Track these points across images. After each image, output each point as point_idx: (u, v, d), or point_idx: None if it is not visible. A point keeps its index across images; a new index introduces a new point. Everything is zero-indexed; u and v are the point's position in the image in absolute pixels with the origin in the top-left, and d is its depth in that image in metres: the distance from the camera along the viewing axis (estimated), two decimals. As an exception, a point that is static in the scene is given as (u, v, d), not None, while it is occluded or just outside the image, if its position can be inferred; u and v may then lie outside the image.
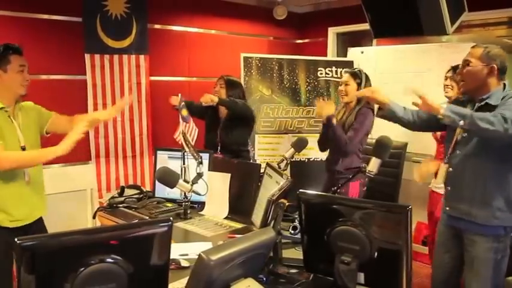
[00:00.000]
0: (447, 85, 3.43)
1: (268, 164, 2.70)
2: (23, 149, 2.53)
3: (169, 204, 3.16)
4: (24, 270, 1.11)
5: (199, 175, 2.44)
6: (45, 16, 4.19)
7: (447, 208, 2.57)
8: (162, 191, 3.22)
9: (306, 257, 1.86)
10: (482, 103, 2.41)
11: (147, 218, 2.88)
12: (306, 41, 6.25)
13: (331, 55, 5.86)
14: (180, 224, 2.76)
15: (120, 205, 3.11)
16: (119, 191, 3.34)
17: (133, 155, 4.69)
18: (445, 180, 2.60)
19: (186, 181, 2.40)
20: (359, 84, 3.52)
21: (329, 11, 5.88)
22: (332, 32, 5.91)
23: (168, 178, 2.34)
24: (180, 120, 3.07)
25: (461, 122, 2.22)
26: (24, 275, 1.11)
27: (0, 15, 3.93)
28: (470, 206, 2.42)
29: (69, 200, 4.33)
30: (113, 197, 3.21)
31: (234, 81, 3.99)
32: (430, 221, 3.72)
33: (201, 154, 2.91)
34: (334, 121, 3.38)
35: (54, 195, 3.54)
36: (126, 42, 4.55)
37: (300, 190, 1.78)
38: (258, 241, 1.54)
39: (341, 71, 5.02)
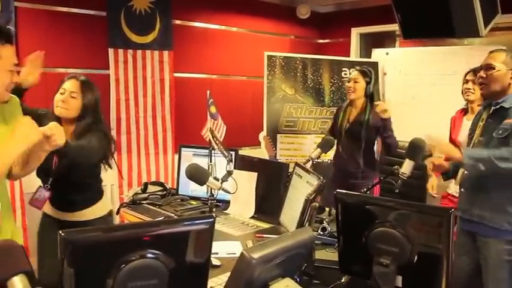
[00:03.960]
0: (469, 88, 3.40)
1: (297, 164, 2.67)
2: None
3: (193, 202, 3.15)
4: (67, 264, 1.10)
5: (229, 173, 2.42)
6: (70, 9, 4.20)
7: (461, 211, 2.57)
8: (186, 188, 3.21)
9: (342, 258, 1.82)
10: (497, 106, 2.44)
11: (173, 215, 2.87)
12: (329, 41, 6.22)
13: (354, 56, 5.82)
14: (206, 222, 2.75)
15: (144, 202, 3.11)
16: (141, 187, 3.34)
17: (156, 152, 4.69)
18: (460, 183, 2.63)
19: (216, 179, 2.38)
20: (368, 83, 3.56)
21: (352, 11, 5.84)
22: (355, 32, 5.87)
23: (199, 175, 2.32)
24: (208, 117, 3.05)
25: (482, 167, 2.28)
26: (66, 268, 1.10)
27: (26, 7, 3.94)
28: (484, 210, 2.44)
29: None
30: (136, 194, 3.20)
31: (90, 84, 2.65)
32: None
33: (230, 152, 2.88)
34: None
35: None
36: (149, 38, 4.56)
37: (338, 190, 1.75)
38: (299, 240, 1.51)
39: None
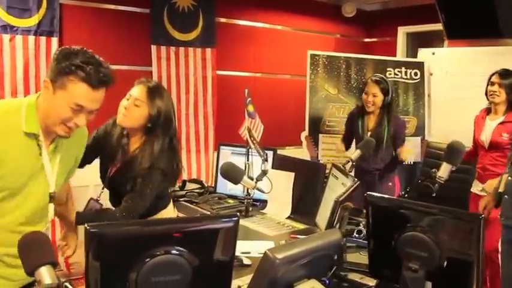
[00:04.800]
0: (494, 91, 3.37)
1: (334, 165, 2.65)
2: (51, 198, 1.75)
3: (230, 201, 3.19)
4: (92, 257, 1.14)
5: (264, 172, 2.44)
6: (114, 7, 4.29)
7: (502, 218, 2.56)
8: (224, 187, 3.25)
9: (371, 262, 1.81)
10: None
11: (208, 213, 2.91)
12: (375, 40, 6.11)
13: (401, 55, 5.70)
14: (242, 222, 2.75)
15: (181, 199, 3.17)
16: (179, 184, 3.40)
17: (197, 150, 4.74)
18: (504, 190, 2.60)
19: (250, 178, 2.40)
20: (386, 94, 3.56)
21: (399, 10, 5.71)
22: (402, 31, 5.75)
23: (233, 174, 2.35)
24: (246, 115, 3.08)
25: None
26: (91, 261, 1.14)
27: (71, 4, 4.06)
28: None
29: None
30: (174, 191, 3.26)
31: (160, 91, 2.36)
32: None
33: (266, 151, 2.90)
34: None
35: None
36: (192, 35, 4.61)
37: (368, 193, 1.74)
38: (324, 242, 1.51)
39: (411, 72, 4.90)
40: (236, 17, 5.05)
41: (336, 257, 1.70)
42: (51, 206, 1.77)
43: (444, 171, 2.35)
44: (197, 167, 4.77)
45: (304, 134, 4.87)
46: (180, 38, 4.55)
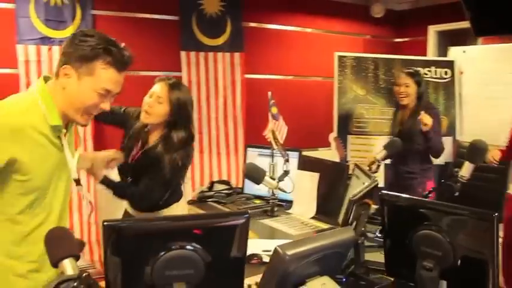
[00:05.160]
0: None
1: (356, 165, 2.68)
2: (77, 182, 1.78)
3: (257, 201, 3.24)
4: (110, 252, 1.22)
5: (286, 173, 2.49)
6: (144, 15, 4.44)
7: None
8: (251, 187, 3.30)
9: (388, 261, 1.83)
10: None
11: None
12: (405, 39, 6.05)
13: (432, 55, 5.61)
14: (267, 221, 2.82)
15: (209, 199, 3.25)
16: (208, 185, 3.49)
17: (227, 152, 4.82)
18: None
19: (272, 178, 2.46)
20: (419, 86, 3.50)
21: (429, 8, 5.62)
22: (432, 30, 5.66)
23: (255, 174, 2.41)
24: (270, 117, 3.14)
25: None
26: (110, 256, 1.22)
27: (103, 15, 4.23)
28: None
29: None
30: (202, 191, 3.35)
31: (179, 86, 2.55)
32: (506, 227, 3.44)
33: (289, 152, 2.95)
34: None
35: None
36: (220, 40, 4.70)
37: (382, 191, 1.76)
38: (336, 240, 1.54)
39: (441, 71, 4.84)
40: (264, 21, 5.11)
41: (348, 255, 1.73)
42: (80, 189, 1.81)
43: (466, 170, 2.34)
44: (227, 168, 4.84)
45: (332, 136, 4.88)
46: (209, 43, 4.65)
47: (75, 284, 1.13)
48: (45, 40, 3.87)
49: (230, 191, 3.42)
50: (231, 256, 1.35)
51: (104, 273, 1.21)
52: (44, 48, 3.85)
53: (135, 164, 2.49)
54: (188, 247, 1.26)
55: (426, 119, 3.35)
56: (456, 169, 2.38)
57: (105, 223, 1.18)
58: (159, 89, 2.44)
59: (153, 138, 2.49)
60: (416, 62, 4.86)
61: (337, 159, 4.71)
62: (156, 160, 2.38)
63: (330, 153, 4.82)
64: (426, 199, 1.75)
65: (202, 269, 1.27)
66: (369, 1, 5.65)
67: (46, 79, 1.68)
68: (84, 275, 1.13)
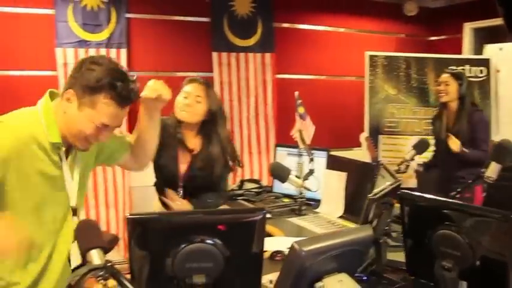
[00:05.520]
0: None
1: (383, 165, 2.69)
2: (74, 212, 1.69)
3: (286, 200, 3.27)
4: (134, 244, 1.29)
5: (311, 171, 2.52)
6: (176, 18, 4.56)
7: None
8: (280, 186, 3.34)
9: (408, 260, 1.84)
10: None
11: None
12: (440, 37, 5.95)
13: (468, 53, 5.50)
14: (294, 220, 2.86)
15: (239, 198, 3.31)
16: (238, 184, 3.55)
17: (258, 151, 4.89)
18: None
19: (298, 177, 2.50)
20: (460, 85, 3.42)
21: (465, 5, 5.51)
22: (468, 27, 5.54)
23: (280, 172, 2.45)
24: (297, 117, 3.17)
25: None
26: (133, 248, 1.29)
27: (137, 18, 4.38)
28: None
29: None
30: (232, 189, 3.42)
31: (212, 87, 2.69)
32: None
33: (317, 152, 2.98)
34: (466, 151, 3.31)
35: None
36: (251, 41, 4.78)
37: (402, 191, 1.77)
38: (353, 237, 1.57)
39: (476, 70, 4.75)
40: (295, 22, 5.15)
41: (367, 253, 1.75)
42: (74, 221, 1.66)
43: (492, 170, 2.31)
44: (259, 167, 4.90)
45: (363, 135, 4.85)
46: (240, 44, 4.73)
47: (101, 272, 1.21)
48: (82, 43, 4.04)
49: (260, 190, 3.47)
50: (249, 251, 1.40)
51: (129, 264, 1.29)
52: (81, 51, 4.02)
53: (189, 174, 2.54)
54: (208, 241, 1.31)
55: (452, 143, 3.30)
56: (483, 170, 2.36)
57: (129, 217, 1.26)
58: (195, 88, 2.49)
59: (191, 141, 2.54)
60: (450, 61, 4.78)
61: (368, 159, 4.69)
62: (213, 161, 2.47)
63: (361, 154, 4.79)
64: (445, 199, 1.74)
65: (221, 263, 1.32)
66: (402, -1, 5.60)
67: (52, 94, 1.69)
68: (108, 264, 1.21)
